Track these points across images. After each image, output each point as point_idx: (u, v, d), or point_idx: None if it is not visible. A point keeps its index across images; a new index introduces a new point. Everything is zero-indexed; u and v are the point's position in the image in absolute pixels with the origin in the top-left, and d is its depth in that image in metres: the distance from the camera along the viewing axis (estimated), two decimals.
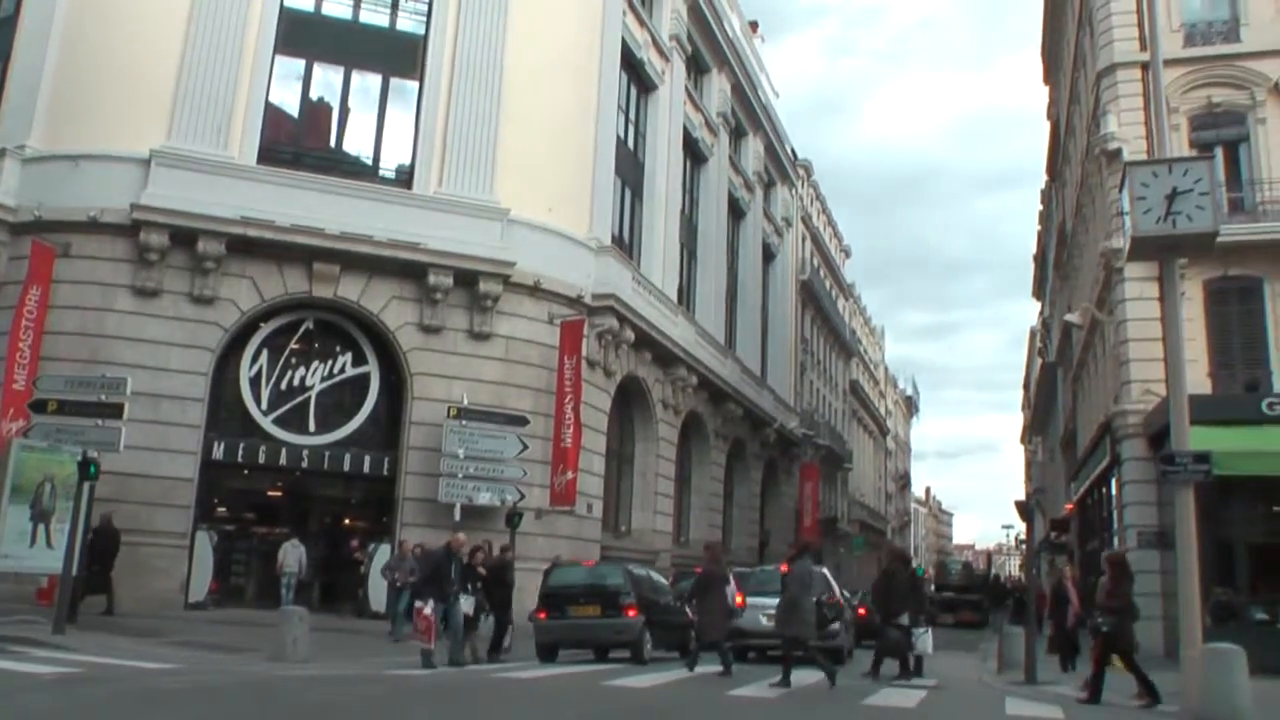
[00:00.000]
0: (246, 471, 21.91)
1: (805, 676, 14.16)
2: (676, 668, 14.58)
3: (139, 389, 17.38)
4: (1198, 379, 19.30)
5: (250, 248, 20.87)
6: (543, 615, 16.78)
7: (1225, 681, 10.00)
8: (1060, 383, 42.54)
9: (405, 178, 22.98)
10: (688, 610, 15.83)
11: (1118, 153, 22.03)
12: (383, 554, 20.83)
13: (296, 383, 21.66)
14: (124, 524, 18.63)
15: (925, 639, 15.15)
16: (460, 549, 15.19)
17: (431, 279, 21.75)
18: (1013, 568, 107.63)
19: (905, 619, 14.80)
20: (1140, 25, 22.04)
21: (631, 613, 16.44)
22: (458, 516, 20.62)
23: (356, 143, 23.58)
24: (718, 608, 14.52)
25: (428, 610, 14.07)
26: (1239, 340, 21.24)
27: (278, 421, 21.38)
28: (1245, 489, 18.56)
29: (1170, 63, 20.36)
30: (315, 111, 23.55)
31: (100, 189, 20.38)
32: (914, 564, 16.27)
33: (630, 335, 26.05)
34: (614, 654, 17.32)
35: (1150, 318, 20.53)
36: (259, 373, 21.47)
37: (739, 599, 18.46)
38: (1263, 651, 13.02)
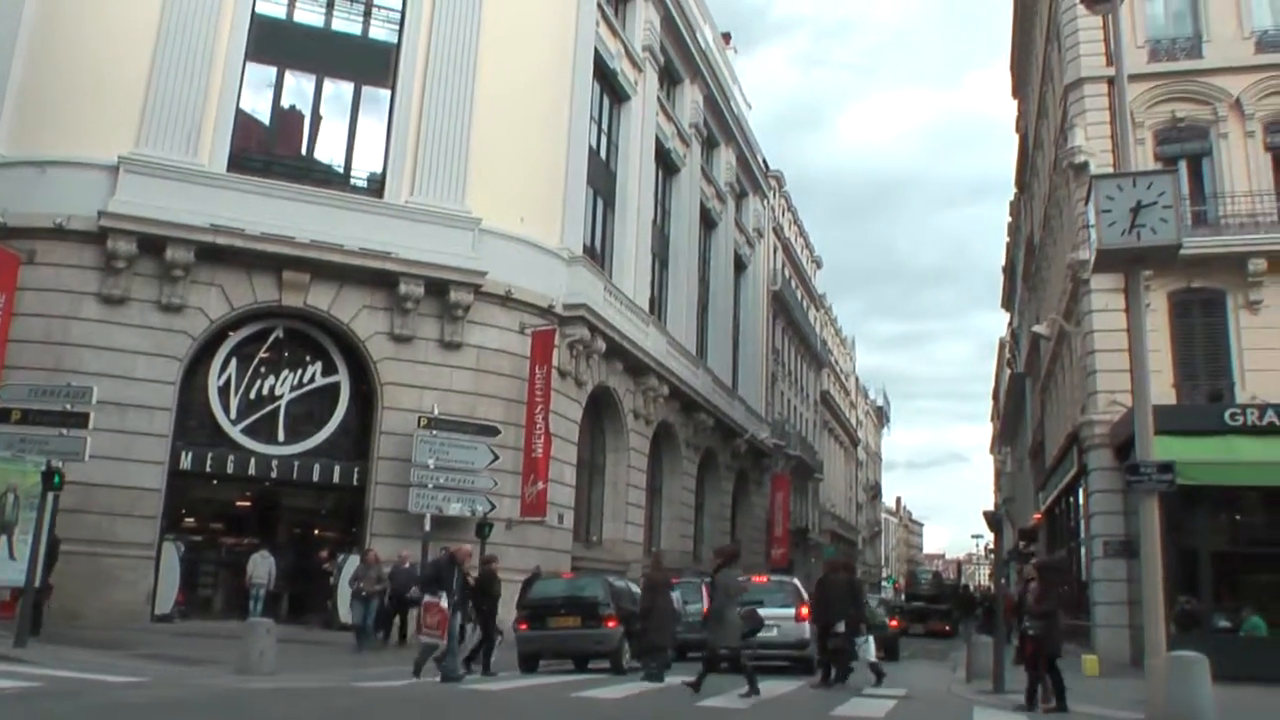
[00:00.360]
0: (215, 481, 21.75)
1: (776, 687, 14.20)
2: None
3: (105, 398, 17.22)
4: (1163, 390, 19.53)
5: (219, 256, 20.74)
6: (524, 626, 16.97)
7: (1189, 689, 10.09)
8: (1029, 393, 42.88)
9: (377, 186, 22.91)
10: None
11: (1084, 166, 22.29)
12: (352, 564, 20.67)
13: (266, 392, 21.52)
14: (89, 535, 18.45)
15: (867, 646, 15.17)
16: (465, 559, 14.98)
17: (402, 288, 21.69)
18: (983, 577, 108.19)
19: (842, 626, 14.86)
20: (1106, 41, 22.32)
21: (611, 624, 16.56)
22: (428, 527, 20.54)
23: (328, 151, 23.50)
24: (663, 614, 14.60)
25: (443, 602, 13.85)
26: (1203, 351, 21.52)
27: (246, 431, 21.23)
28: (1209, 498, 18.79)
29: (1135, 78, 20.68)
30: (286, 119, 23.43)
31: (67, 195, 20.20)
32: (855, 571, 16.46)
33: (601, 345, 26.07)
34: (594, 664, 17.34)
35: (1116, 329, 20.76)
36: (228, 382, 21.32)
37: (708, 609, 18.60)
38: (1226, 659, 13.14)
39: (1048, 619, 12.68)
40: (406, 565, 19.45)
